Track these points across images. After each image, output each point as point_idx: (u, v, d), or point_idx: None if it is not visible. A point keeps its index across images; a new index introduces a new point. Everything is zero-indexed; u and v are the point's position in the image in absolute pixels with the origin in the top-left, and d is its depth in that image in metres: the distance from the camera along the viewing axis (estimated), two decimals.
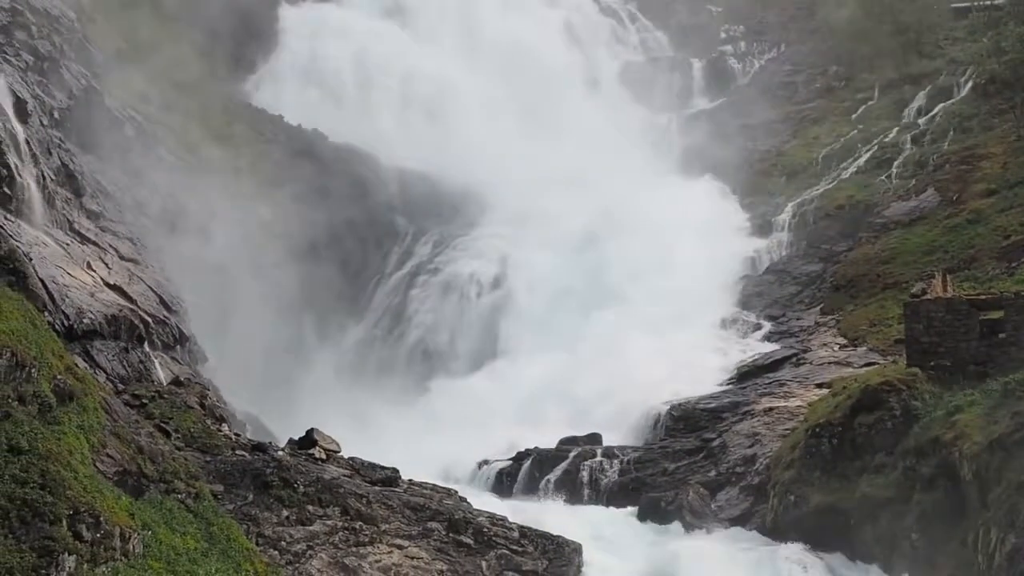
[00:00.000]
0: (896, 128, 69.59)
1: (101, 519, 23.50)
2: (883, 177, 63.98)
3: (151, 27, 64.51)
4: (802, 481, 37.12)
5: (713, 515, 40.14)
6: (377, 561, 31.14)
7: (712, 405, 46.79)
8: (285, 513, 31.15)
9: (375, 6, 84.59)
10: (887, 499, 34.34)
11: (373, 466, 36.65)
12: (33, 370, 25.58)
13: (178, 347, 43.54)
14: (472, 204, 68.27)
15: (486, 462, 46.33)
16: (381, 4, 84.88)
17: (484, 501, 39.56)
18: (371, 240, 65.84)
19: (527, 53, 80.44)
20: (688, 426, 46.06)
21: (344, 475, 35.11)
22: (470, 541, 33.19)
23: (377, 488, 34.71)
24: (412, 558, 31.74)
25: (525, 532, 34.59)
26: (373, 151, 69.52)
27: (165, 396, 36.27)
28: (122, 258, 44.34)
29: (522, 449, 46.26)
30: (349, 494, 32.83)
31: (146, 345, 40.51)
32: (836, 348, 49.97)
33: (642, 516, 40.39)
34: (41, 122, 45.12)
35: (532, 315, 59.33)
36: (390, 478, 36.11)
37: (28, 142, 41.94)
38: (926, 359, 36.09)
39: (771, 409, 44.78)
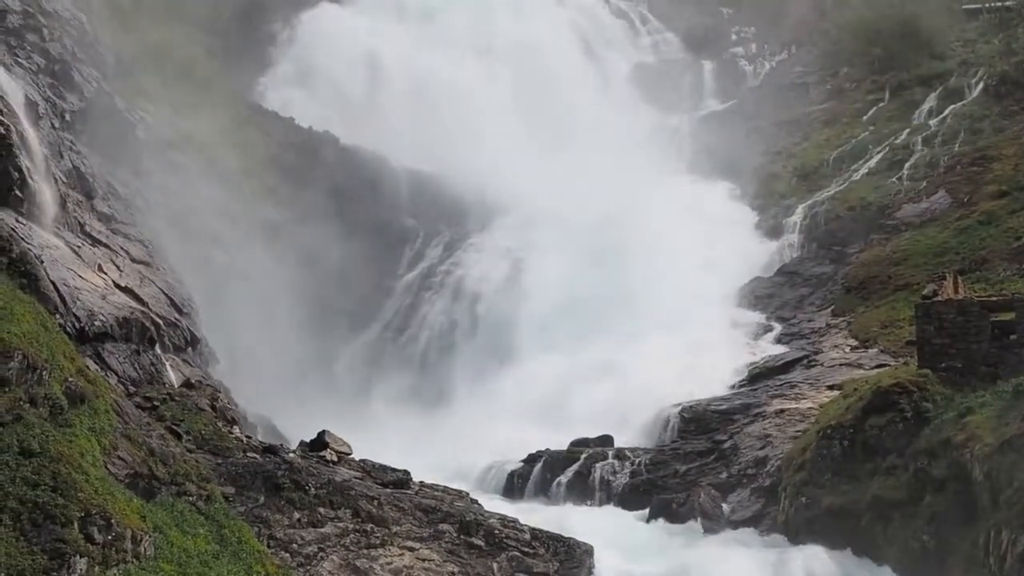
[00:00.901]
0: (907, 130, 69.42)
1: (112, 521, 23.51)
2: (894, 179, 63.82)
3: (162, 29, 64.55)
4: (813, 483, 37.08)
5: (725, 517, 40.13)
6: (388, 563, 31.12)
7: (723, 407, 46.78)
8: (296, 515, 31.14)
9: (386, 8, 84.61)
10: (898, 501, 34.31)
11: (384, 468, 36.68)
12: (44, 372, 25.61)
13: (189, 349, 43.49)
14: (483, 206, 68.26)
15: (504, 464, 46.37)
16: (392, 6, 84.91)
17: (495, 503, 39.59)
18: (382, 242, 65.86)
19: (537, 55, 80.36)
20: (699, 428, 46.05)
21: (355, 477, 35.13)
22: (481, 543, 33.17)
23: (388, 490, 34.71)
24: (423, 560, 31.72)
25: (536, 534, 34.55)
26: (384, 153, 69.56)
27: (176, 398, 36.28)
28: (133, 260, 44.27)
29: (533, 451, 46.25)
30: (360, 496, 32.83)
31: (157, 347, 40.42)
32: (847, 350, 49.84)
33: (654, 518, 40.44)
34: (52, 124, 45.16)
35: (543, 317, 59.19)
36: (401, 480, 36.13)
37: (39, 144, 41.96)
38: (937, 361, 36.05)
39: (782, 411, 44.73)
